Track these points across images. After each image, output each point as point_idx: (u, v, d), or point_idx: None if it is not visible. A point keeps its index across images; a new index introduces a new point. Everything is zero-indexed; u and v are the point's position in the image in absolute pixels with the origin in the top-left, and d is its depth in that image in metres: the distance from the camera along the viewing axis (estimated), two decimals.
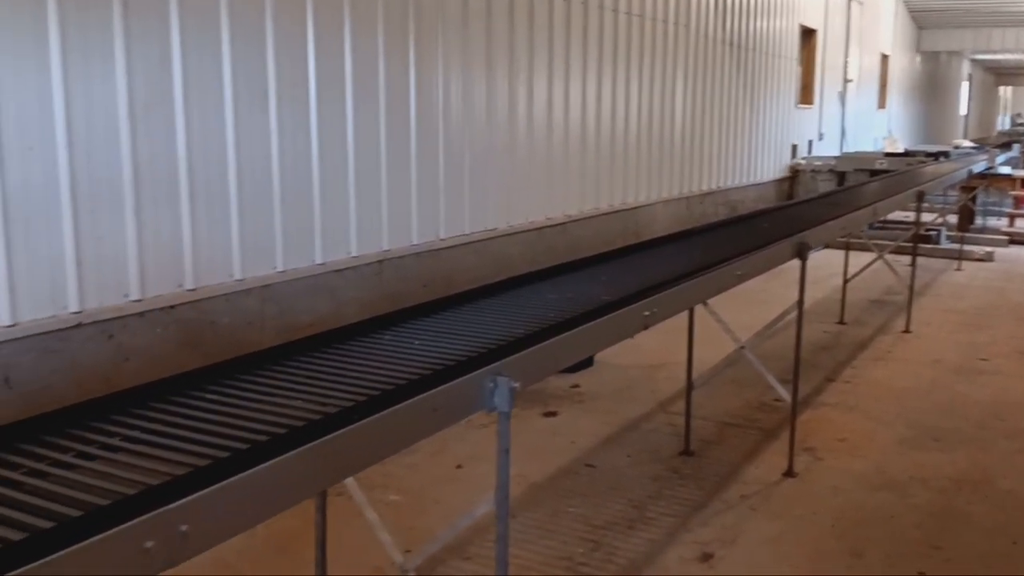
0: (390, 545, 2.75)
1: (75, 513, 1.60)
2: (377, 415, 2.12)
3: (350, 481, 2.76)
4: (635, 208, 9.05)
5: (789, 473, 4.67)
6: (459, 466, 4.78)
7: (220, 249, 4.69)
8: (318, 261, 5.27)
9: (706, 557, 3.84)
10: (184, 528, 1.63)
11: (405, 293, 5.78)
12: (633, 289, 3.27)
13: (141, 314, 4.30)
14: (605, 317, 2.91)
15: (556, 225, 7.65)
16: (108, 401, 2.25)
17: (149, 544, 1.57)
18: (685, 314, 4.49)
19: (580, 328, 2.76)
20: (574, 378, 6.15)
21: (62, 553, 1.46)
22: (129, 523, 1.54)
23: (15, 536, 1.53)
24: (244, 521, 1.80)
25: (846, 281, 8.23)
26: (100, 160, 4.08)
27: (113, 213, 4.17)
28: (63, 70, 3.90)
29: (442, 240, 6.27)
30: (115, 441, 2.01)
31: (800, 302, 4.71)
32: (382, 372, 2.46)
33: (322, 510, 2.82)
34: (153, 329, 4.36)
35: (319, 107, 5.19)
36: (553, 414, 5.61)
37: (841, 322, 8.06)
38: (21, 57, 3.76)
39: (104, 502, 1.63)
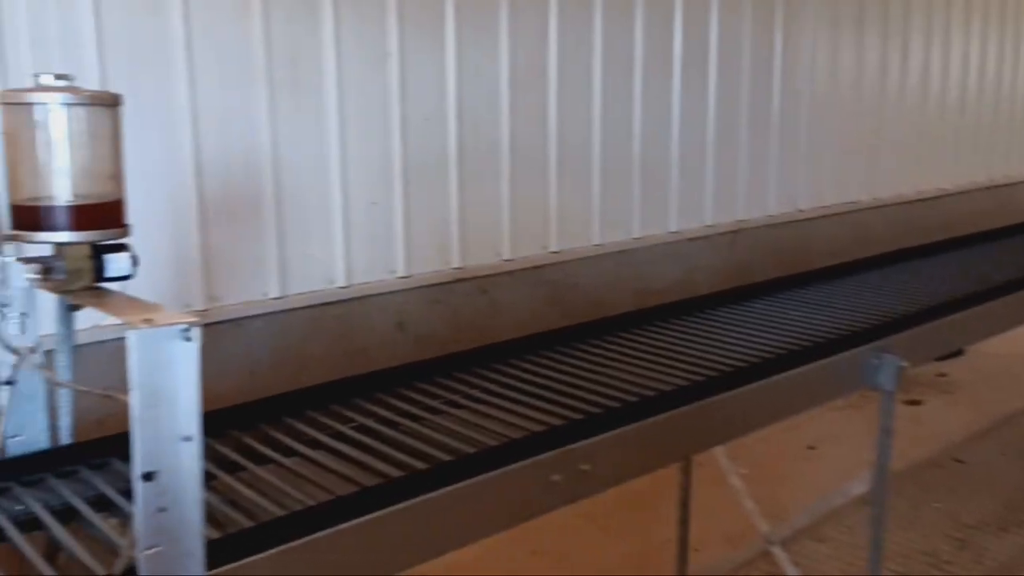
0: (755, 513, 2.75)
1: (492, 442, 1.79)
2: (755, 384, 2.13)
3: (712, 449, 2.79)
4: (1020, 183, 8.11)
5: None
6: (811, 446, 4.64)
7: (582, 215, 4.91)
8: (672, 229, 5.34)
9: None
10: (585, 467, 1.76)
11: (758, 264, 5.68)
12: None
13: (511, 273, 4.64)
14: (1002, 299, 2.68)
15: (927, 199, 7.09)
16: (492, 350, 2.45)
17: (556, 478, 1.72)
18: None
19: (976, 308, 2.56)
20: (941, 366, 5.69)
21: (483, 477, 1.64)
22: (540, 456, 1.70)
23: (445, 457, 1.74)
24: (633, 470, 1.91)
25: None
26: (484, 130, 4.44)
27: (491, 179, 4.51)
28: (456, 46, 4.28)
29: (800, 211, 6.06)
30: (511, 381, 2.20)
31: None
32: (756, 342, 2.46)
33: (688, 472, 2.90)
34: (521, 287, 4.68)
35: (682, 75, 5.22)
36: (917, 403, 5.25)
37: None
38: (423, 35, 4.18)
39: (515, 436, 1.81)
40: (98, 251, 1.43)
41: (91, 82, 3.33)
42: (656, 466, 1.98)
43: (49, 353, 1.67)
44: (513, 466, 1.66)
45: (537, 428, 1.86)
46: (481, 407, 2.06)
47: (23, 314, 1.47)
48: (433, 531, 1.56)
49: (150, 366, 1.22)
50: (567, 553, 3.75)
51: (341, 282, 4.07)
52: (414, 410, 2.03)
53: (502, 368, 2.33)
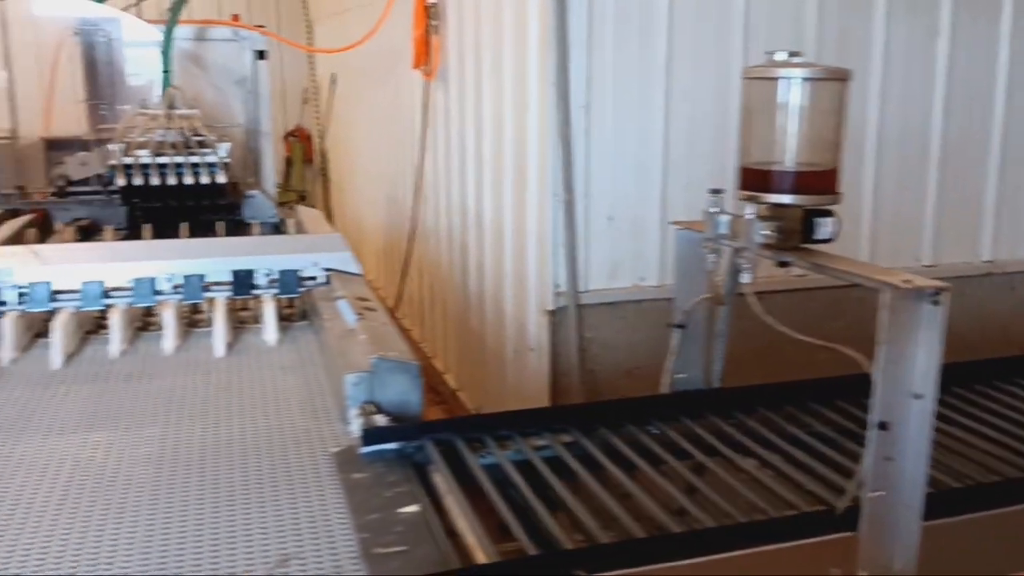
0: None
1: None
2: None
3: None
4: None
5: None
6: None
7: None
8: None
9: None
10: None
11: None
12: None
13: None
14: None
15: None
16: None
17: None
18: None
19: None
20: None
21: None
22: None
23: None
24: None
25: None
26: None
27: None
28: (1012, 23, 3.97)
29: None
30: None
31: None
32: None
33: None
34: None
35: None
36: None
37: None
38: (977, 12, 3.93)
39: None
40: (808, 214, 1.56)
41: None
42: None
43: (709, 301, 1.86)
44: None
45: None
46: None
47: (750, 266, 1.65)
48: None
49: (898, 324, 1.31)
50: None
51: None
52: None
53: None
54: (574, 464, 1.67)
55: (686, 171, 3.70)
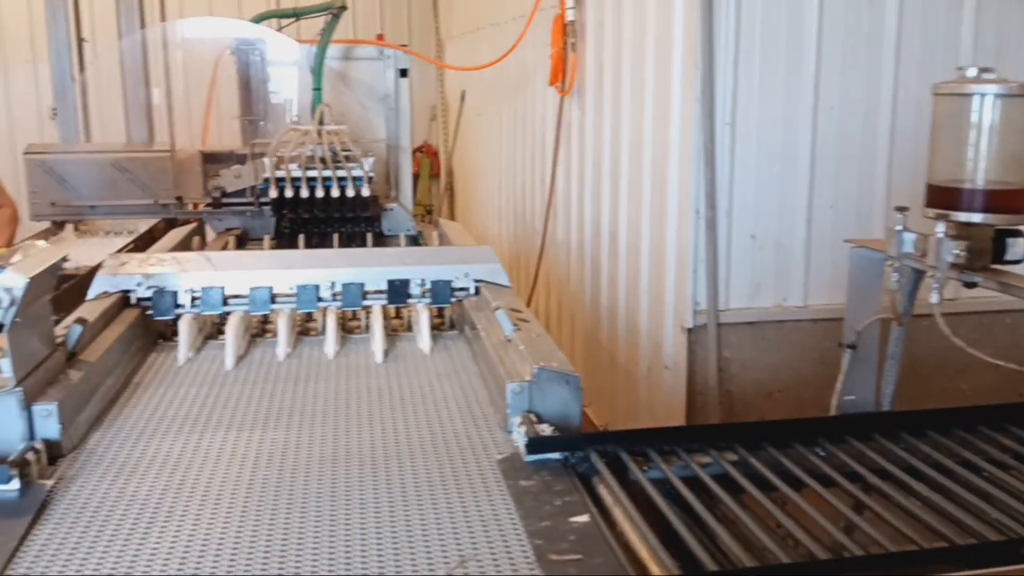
0: None
1: None
2: None
3: None
4: None
5: None
6: None
7: None
8: None
9: None
10: None
11: None
12: None
13: None
14: None
15: None
16: None
17: None
18: None
19: None
20: None
21: None
22: None
23: None
24: None
25: None
26: None
27: None
28: None
29: None
30: None
31: None
32: None
33: None
34: None
35: None
36: None
37: None
38: None
39: None
40: (1000, 234, 1.51)
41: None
42: None
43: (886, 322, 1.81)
44: None
45: None
46: None
47: (939, 286, 1.61)
48: None
49: None
50: None
51: None
52: None
53: None
54: (743, 481, 1.66)
55: (833, 189, 3.62)
